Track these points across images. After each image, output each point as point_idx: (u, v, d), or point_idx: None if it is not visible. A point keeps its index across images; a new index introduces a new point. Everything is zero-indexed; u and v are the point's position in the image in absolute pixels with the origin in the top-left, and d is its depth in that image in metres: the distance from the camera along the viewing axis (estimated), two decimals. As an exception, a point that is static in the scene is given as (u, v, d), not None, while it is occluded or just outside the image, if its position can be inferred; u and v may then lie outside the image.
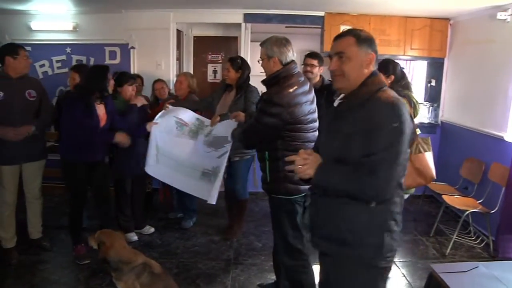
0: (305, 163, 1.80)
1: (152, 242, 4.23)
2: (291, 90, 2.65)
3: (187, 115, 3.89)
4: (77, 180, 3.68)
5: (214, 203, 3.59)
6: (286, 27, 7.10)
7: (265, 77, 2.82)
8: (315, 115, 2.82)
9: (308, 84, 2.82)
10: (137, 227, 4.38)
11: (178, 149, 3.87)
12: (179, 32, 6.08)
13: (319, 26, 5.69)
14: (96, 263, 3.67)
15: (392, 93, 1.78)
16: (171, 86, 5.35)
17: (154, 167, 3.84)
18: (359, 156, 1.68)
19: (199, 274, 3.63)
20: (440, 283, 2.35)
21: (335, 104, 1.92)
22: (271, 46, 2.76)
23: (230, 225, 4.47)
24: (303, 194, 2.79)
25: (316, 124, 2.80)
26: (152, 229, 4.49)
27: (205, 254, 4.02)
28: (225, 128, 3.63)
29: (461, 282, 2.36)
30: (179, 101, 4.34)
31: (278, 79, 2.72)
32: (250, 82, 4.11)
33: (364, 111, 1.72)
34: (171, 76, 5.61)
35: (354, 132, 1.72)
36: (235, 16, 5.60)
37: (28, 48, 5.50)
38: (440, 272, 2.41)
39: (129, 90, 4.04)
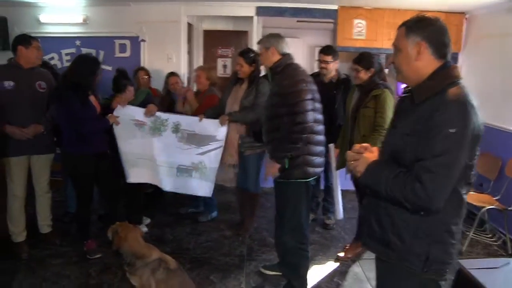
0: (356, 159, 1.69)
1: (164, 237, 4.17)
2: (301, 68, 2.98)
3: (139, 113, 3.84)
4: (83, 173, 3.60)
5: (210, 196, 4.07)
6: (298, 21, 7.03)
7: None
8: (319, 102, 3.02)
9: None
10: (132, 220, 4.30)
11: (147, 150, 3.89)
12: (189, 26, 6.00)
13: (332, 20, 5.61)
14: (108, 258, 3.61)
15: (463, 91, 1.55)
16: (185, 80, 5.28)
17: (134, 173, 3.88)
18: (414, 158, 1.53)
19: (213, 270, 3.56)
20: (470, 279, 2.26)
21: (402, 96, 1.80)
22: (267, 39, 3.04)
23: (242, 220, 4.40)
24: (316, 177, 3.09)
25: (321, 116, 3.01)
26: (148, 220, 4.44)
27: (217, 249, 3.95)
28: (212, 127, 3.87)
29: (494, 278, 2.27)
30: (202, 96, 4.37)
31: (282, 67, 2.95)
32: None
33: (426, 108, 1.55)
34: (182, 70, 5.54)
35: (411, 132, 1.57)
36: (247, 9, 5.52)
37: None
38: (470, 268, 2.32)
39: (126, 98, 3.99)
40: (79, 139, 3.51)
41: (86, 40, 5.49)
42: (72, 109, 3.42)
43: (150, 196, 5.00)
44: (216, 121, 3.88)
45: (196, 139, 3.91)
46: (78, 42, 5.49)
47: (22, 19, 5.50)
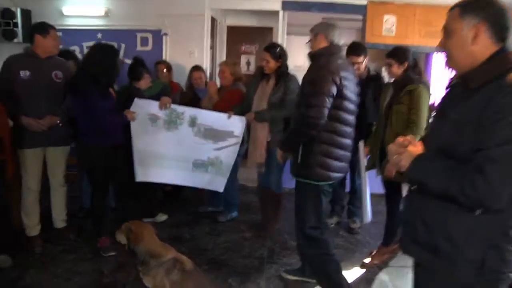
0: (400, 152, 1.48)
1: (181, 237, 3.99)
2: (338, 61, 2.72)
3: (155, 106, 3.69)
4: (99, 166, 3.47)
5: (221, 191, 3.98)
6: (324, 18, 6.83)
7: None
8: (355, 97, 2.83)
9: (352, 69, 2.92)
10: (147, 215, 4.20)
11: (161, 146, 3.75)
12: (213, 20, 5.85)
13: (360, 17, 5.39)
14: (121, 256, 3.45)
15: None
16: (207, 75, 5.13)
17: (144, 173, 3.72)
18: (469, 150, 1.33)
19: (231, 273, 3.36)
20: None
21: (451, 84, 1.60)
22: (318, 25, 2.88)
23: (263, 221, 4.21)
24: (331, 182, 2.80)
25: (351, 117, 2.80)
26: (165, 216, 4.31)
27: (237, 251, 3.76)
28: (230, 122, 3.80)
29: None
30: (224, 91, 4.24)
31: (321, 56, 2.73)
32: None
33: (484, 94, 1.35)
34: (205, 65, 5.37)
35: (466, 120, 1.36)
36: (273, 3, 5.35)
37: (59, 34, 5.45)
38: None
39: (141, 85, 3.93)
40: (96, 130, 3.39)
41: (107, 33, 5.39)
42: (89, 102, 3.30)
43: (169, 194, 4.87)
44: (234, 116, 3.82)
45: (213, 134, 3.82)
46: (99, 35, 5.39)
47: (46, 12, 5.42)
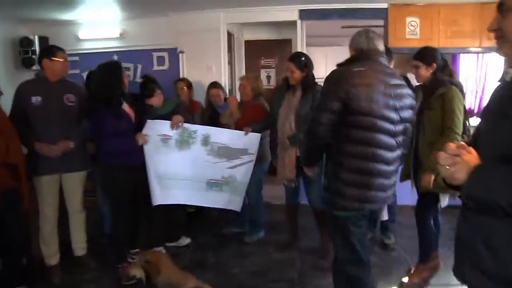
0: (454, 163, 1.19)
1: (206, 261, 3.80)
2: (354, 68, 2.26)
3: (166, 127, 3.53)
4: (119, 187, 3.32)
5: (238, 210, 3.83)
6: (343, 27, 6.66)
7: None
8: (399, 115, 2.27)
9: (397, 78, 2.37)
10: (169, 238, 4.05)
11: (173, 167, 3.59)
12: (229, 35, 5.73)
13: (382, 20, 5.16)
14: (143, 285, 3.27)
15: None
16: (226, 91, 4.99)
17: (160, 196, 3.55)
18: None
19: (260, 299, 3.15)
20: None
21: (507, 78, 1.31)
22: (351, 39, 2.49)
23: (291, 240, 3.98)
24: (361, 212, 2.35)
25: (398, 127, 2.29)
26: (188, 240, 4.12)
27: (265, 274, 3.53)
28: (244, 140, 3.71)
29: None
30: (243, 106, 4.09)
31: (341, 65, 2.40)
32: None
33: None
34: (223, 81, 5.23)
35: None
36: (289, 13, 5.18)
37: (76, 58, 5.48)
38: None
39: (154, 102, 3.81)
40: (113, 151, 3.28)
41: (123, 54, 5.33)
42: (103, 123, 3.19)
43: (192, 215, 4.68)
44: (254, 135, 3.74)
45: (227, 153, 3.71)
46: (116, 57, 5.32)
47: (62, 37, 5.40)
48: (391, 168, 2.31)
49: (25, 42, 5.31)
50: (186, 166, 3.62)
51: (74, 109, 3.41)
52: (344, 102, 2.16)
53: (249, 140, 3.74)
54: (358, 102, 2.15)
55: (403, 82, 2.38)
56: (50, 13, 5.04)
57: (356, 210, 2.31)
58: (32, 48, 5.29)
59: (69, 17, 5.23)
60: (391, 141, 2.25)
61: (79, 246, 3.68)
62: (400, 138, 2.31)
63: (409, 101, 2.32)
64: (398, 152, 2.32)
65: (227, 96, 4.80)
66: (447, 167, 1.18)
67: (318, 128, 2.26)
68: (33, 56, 5.29)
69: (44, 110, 3.29)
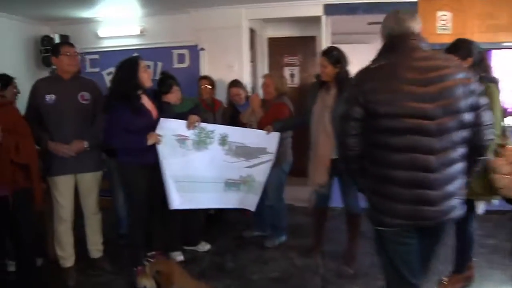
0: None
1: (225, 266, 3.63)
2: (373, 65, 1.93)
3: (182, 127, 3.34)
4: (136, 187, 3.20)
5: (253, 209, 3.71)
6: (369, 23, 6.41)
7: None
8: (442, 107, 1.79)
9: (437, 61, 1.88)
10: (188, 242, 3.91)
11: (191, 168, 3.42)
12: (252, 32, 5.56)
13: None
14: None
15: None
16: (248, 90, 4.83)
17: (178, 199, 3.37)
18: None
19: (280, 308, 2.97)
20: None
21: None
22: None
23: (315, 245, 3.77)
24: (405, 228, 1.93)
25: (442, 122, 1.80)
26: (208, 246, 3.96)
27: (287, 281, 3.34)
28: (262, 138, 3.61)
29: None
30: (266, 105, 3.89)
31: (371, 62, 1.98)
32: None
33: None
34: (245, 79, 5.08)
35: None
36: (313, 8, 4.99)
37: (96, 56, 5.42)
38: None
39: (171, 99, 3.67)
40: (132, 148, 3.16)
41: (143, 52, 5.14)
42: (121, 120, 3.06)
43: (211, 217, 4.54)
44: (274, 134, 3.61)
45: (245, 152, 3.60)
46: (135, 55, 5.21)
47: (83, 36, 5.41)
48: (436, 175, 1.83)
49: (46, 41, 5.29)
50: (204, 167, 3.47)
51: (89, 107, 3.30)
52: (364, 107, 1.86)
53: (268, 139, 3.62)
54: (377, 104, 1.82)
55: (450, 65, 1.88)
56: (70, 11, 5.01)
57: (388, 225, 1.93)
58: (53, 47, 5.25)
59: (88, 14, 5.18)
60: (430, 142, 1.80)
61: (95, 248, 3.58)
62: (448, 136, 1.82)
63: (460, 89, 1.81)
64: (447, 155, 1.84)
65: (249, 94, 4.64)
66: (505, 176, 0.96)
67: (348, 139, 1.95)
68: (54, 55, 5.26)
69: (57, 109, 3.20)
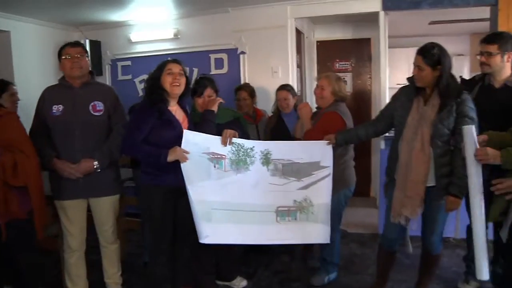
0: None
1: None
2: None
3: (216, 144, 2.74)
4: (156, 212, 2.66)
5: (328, 241, 2.96)
6: (431, 23, 5.73)
7: None
8: None
9: None
10: (221, 277, 3.29)
11: (229, 194, 2.79)
12: (298, 34, 4.97)
13: (486, 11, 4.18)
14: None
15: None
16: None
17: (209, 232, 2.72)
18: None
19: None
20: None
21: None
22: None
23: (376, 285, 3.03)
24: None
25: None
26: (244, 282, 3.31)
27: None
28: (313, 150, 2.93)
29: None
30: (317, 114, 3.22)
31: None
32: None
33: None
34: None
35: None
36: (370, 3, 4.30)
37: (128, 63, 5.00)
38: None
39: (199, 103, 3.02)
40: (154, 166, 2.62)
41: (178, 57, 4.53)
42: (141, 126, 2.57)
43: (251, 247, 3.89)
44: (319, 142, 2.91)
45: (295, 170, 2.91)
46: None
47: (114, 41, 5.03)
48: None
49: (76, 47, 4.91)
50: (248, 193, 2.84)
51: (102, 119, 2.78)
52: None
53: (319, 150, 2.93)
54: None
55: None
56: (101, 14, 4.64)
57: None
58: (83, 54, 4.88)
59: (120, 18, 4.79)
60: None
61: (112, 281, 3.06)
62: None
63: None
64: None
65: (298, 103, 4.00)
66: None
67: None
68: (84, 62, 4.88)
69: (65, 121, 2.70)
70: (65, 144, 2.70)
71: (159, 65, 2.71)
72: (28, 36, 4.56)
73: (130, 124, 2.66)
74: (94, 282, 3.05)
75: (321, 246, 3.20)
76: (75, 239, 2.83)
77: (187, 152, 2.58)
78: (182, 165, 2.57)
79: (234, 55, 4.59)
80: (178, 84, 2.65)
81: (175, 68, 2.67)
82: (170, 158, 2.52)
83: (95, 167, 2.69)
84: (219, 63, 4.64)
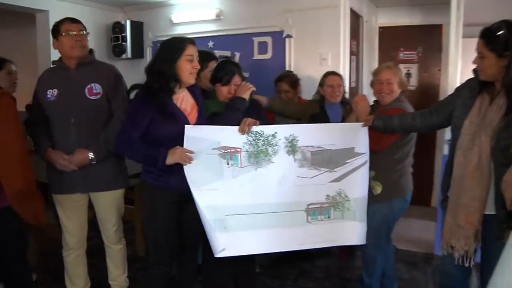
0: None
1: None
2: None
3: (227, 136, 2.26)
4: (158, 217, 2.26)
5: (363, 243, 2.47)
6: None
7: None
8: None
9: None
10: None
11: (249, 194, 2.30)
12: (356, 17, 4.39)
13: None
14: None
15: None
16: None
17: (225, 243, 2.25)
18: None
19: None
20: None
21: None
22: None
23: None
24: None
25: None
26: None
27: None
28: (350, 135, 2.44)
29: None
30: (378, 111, 2.62)
31: None
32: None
33: None
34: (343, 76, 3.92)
35: None
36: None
37: None
38: None
39: (223, 92, 2.49)
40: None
41: (220, 40, 4.36)
42: (139, 118, 2.15)
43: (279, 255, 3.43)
44: (353, 124, 2.46)
45: (326, 159, 2.40)
46: (211, 43, 4.39)
47: (156, 22, 4.75)
48: None
49: (118, 28, 4.70)
50: (271, 191, 2.36)
51: (99, 103, 2.42)
52: None
53: (353, 134, 2.44)
54: None
55: None
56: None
57: None
58: (123, 34, 4.66)
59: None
60: None
61: (116, 284, 2.78)
62: None
63: None
64: None
65: (347, 94, 3.47)
66: None
67: None
68: (123, 43, 4.66)
69: (59, 107, 2.39)
70: (61, 132, 2.40)
71: (173, 45, 2.19)
72: (66, 16, 4.39)
73: (125, 118, 2.24)
74: (99, 282, 2.78)
75: (380, 257, 2.67)
76: (73, 237, 2.55)
77: (191, 152, 2.15)
78: (185, 168, 2.16)
79: (279, 38, 4.10)
80: (196, 73, 2.22)
81: (195, 52, 2.20)
82: (169, 161, 2.10)
83: (89, 158, 2.37)
84: (262, 48, 4.17)
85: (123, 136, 2.15)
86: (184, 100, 2.23)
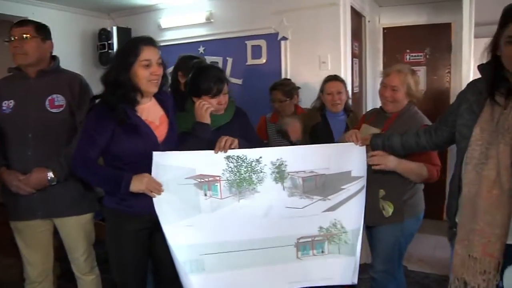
0: None
1: None
2: None
3: (203, 162, 1.95)
4: (124, 247, 1.94)
5: (354, 282, 2.14)
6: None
7: None
8: None
9: None
10: None
11: (230, 230, 1.97)
12: (358, 17, 4.09)
13: None
14: None
15: None
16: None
17: (205, 284, 1.96)
18: None
19: None
20: None
21: None
22: None
23: None
24: None
25: None
26: None
27: None
28: (347, 156, 2.11)
29: None
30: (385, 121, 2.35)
31: None
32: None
33: None
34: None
35: None
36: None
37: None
38: None
39: (213, 104, 2.13)
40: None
41: (210, 45, 4.07)
42: (96, 135, 1.85)
43: None
44: (348, 144, 2.11)
45: (320, 185, 2.08)
46: (201, 49, 4.10)
47: (144, 28, 4.45)
48: None
49: (104, 35, 4.44)
50: (257, 224, 2.05)
51: (61, 117, 2.15)
52: None
53: (349, 155, 2.12)
54: None
55: None
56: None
57: None
58: (109, 42, 4.39)
59: (150, 1, 4.20)
60: None
61: (89, 321, 2.44)
62: None
63: None
64: None
65: (350, 100, 3.17)
66: None
67: None
68: (110, 51, 4.39)
69: (15, 120, 2.12)
70: (17, 149, 2.12)
71: (127, 49, 1.89)
72: (50, 23, 4.12)
73: (81, 135, 1.93)
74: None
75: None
76: (35, 269, 2.25)
77: (159, 184, 1.84)
78: (154, 200, 1.85)
79: (273, 41, 3.79)
80: (157, 80, 1.90)
81: (154, 56, 1.89)
82: (134, 188, 1.80)
83: (49, 179, 2.06)
84: (256, 52, 3.86)
85: (77, 155, 1.85)
86: (151, 112, 1.93)
